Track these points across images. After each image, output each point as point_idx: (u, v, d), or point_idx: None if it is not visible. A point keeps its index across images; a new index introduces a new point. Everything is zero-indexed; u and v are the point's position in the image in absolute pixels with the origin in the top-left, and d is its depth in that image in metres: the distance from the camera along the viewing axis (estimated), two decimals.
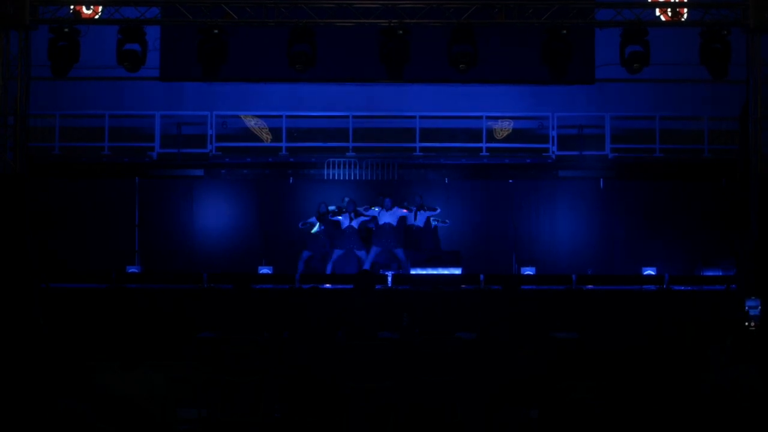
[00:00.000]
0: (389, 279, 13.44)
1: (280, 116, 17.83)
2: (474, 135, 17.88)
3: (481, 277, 13.47)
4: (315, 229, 15.26)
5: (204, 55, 12.56)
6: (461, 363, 9.63)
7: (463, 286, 13.39)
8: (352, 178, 17.48)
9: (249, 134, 18.05)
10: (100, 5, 14.53)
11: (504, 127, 18.07)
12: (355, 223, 14.91)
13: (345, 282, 13.56)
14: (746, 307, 9.85)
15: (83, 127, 17.83)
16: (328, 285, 13.19)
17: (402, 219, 15.23)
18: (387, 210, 14.94)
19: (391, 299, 11.10)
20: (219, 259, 15.95)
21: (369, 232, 15.24)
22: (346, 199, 15.28)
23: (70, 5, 13.39)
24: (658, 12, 15.65)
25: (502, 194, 16.49)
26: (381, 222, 14.91)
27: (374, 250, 14.89)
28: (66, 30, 12.42)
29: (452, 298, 11.69)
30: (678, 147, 17.76)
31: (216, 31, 12.46)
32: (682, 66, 16.70)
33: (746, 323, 9.54)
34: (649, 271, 13.92)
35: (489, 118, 17.90)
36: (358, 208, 15.04)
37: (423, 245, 15.24)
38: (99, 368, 5.02)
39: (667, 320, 11.37)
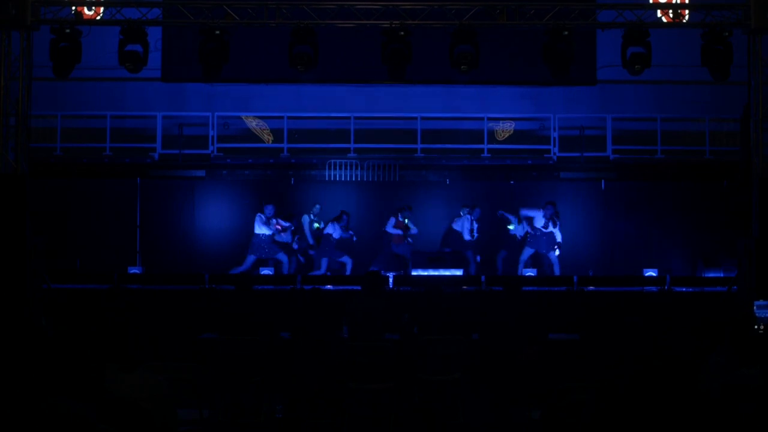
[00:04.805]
0: (390, 280, 13.45)
1: (282, 117, 17.83)
2: (475, 136, 17.87)
3: (483, 278, 13.48)
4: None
5: (205, 55, 12.56)
6: (463, 364, 9.64)
7: (464, 287, 13.39)
8: (354, 179, 17.48)
9: (250, 135, 18.05)
10: (101, 6, 14.55)
11: (505, 129, 18.07)
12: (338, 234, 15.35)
13: (346, 283, 13.58)
14: (755, 309, 9.78)
15: (85, 127, 17.84)
16: (329, 286, 13.19)
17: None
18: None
19: (392, 300, 11.10)
20: (220, 260, 15.95)
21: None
22: (318, 207, 15.58)
23: (72, 6, 13.40)
24: (659, 13, 15.64)
25: (503, 195, 16.48)
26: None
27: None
28: (67, 31, 12.42)
29: (453, 299, 11.71)
30: (679, 148, 17.76)
31: (217, 31, 12.46)
32: (683, 67, 16.71)
33: (755, 326, 9.50)
34: (651, 273, 13.90)
35: (490, 119, 17.90)
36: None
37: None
38: (100, 369, 5.00)
39: (668, 322, 11.36)
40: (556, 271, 15.06)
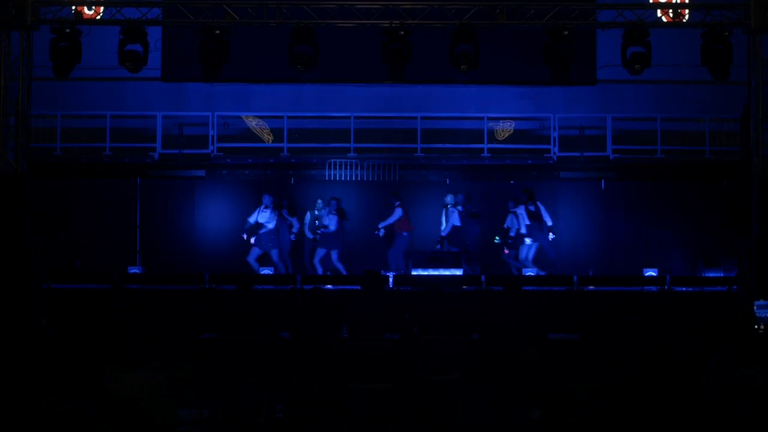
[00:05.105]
0: (390, 280, 13.45)
1: (282, 117, 17.83)
2: (475, 136, 17.87)
3: (483, 278, 13.47)
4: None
5: (205, 55, 12.56)
6: (463, 364, 9.64)
7: (464, 287, 13.39)
8: (354, 178, 17.48)
9: (250, 135, 18.05)
10: (101, 6, 14.54)
11: (505, 128, 18.06)
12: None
13: (346, 282, 13.58)
14: (755, 309, 9.78)
15: (85, 127, 17.83)
16: (329, 285, 13.19)
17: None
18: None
19: (392, 300, 11.10)
20: (220, 260, 15.96)
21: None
22: (320, 202, 15.65)
23: (72, 6, 13.39)
24: (659, 13, 15.64)
25: (503, 195, 16.47)
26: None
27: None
28: (67, 30, 12.41)
29: (453, 299, 11.71)
30: (679, 148, 17.76)
31: (217, 31, 12.46)
32: (683, 67, 16.70)
33: (755, 326, 9.49)
34: (651, 273, 13.90)
35: (490, 119, 17.90)
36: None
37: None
38: (100, 369, 5.00)
39: (668, 322, 11.36)
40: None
